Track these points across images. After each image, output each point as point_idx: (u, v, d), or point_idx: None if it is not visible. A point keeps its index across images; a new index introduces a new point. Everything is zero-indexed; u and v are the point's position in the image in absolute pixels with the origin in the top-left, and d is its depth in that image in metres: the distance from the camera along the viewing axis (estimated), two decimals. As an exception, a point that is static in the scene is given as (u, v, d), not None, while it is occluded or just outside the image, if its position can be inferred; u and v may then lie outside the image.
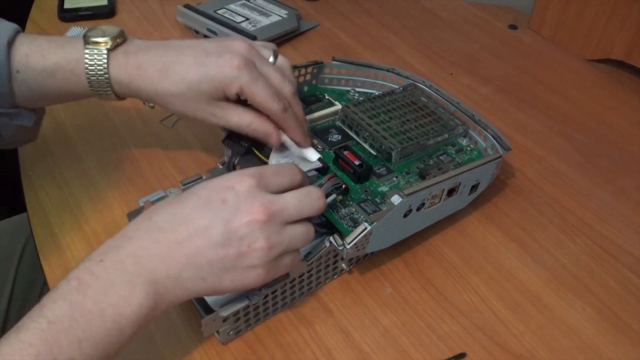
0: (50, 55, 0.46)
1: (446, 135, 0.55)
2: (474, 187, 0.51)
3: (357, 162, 0.50)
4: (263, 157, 0.49)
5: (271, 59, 0.49)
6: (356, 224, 0.46)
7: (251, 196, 0.37)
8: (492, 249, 0.52)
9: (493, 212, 0.55)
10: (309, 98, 0.58)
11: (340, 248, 0.43)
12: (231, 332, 0.43)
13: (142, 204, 0.47)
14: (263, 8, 0.79)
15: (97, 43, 0.46)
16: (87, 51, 0.46)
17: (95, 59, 0.46)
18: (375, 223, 0.43)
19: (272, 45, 0.51)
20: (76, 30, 0.74)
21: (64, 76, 0.46)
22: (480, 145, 0.56)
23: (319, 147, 0.53)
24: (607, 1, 0.71)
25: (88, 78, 0.46)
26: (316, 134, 0.55)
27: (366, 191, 0.49)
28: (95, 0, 0.80)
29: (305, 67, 0.60)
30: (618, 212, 0.56)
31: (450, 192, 0.49)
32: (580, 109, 0.69)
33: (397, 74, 0.61)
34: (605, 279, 0.50)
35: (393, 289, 0.48)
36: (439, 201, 0.48)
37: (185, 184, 0.49)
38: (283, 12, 0.79)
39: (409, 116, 0.56)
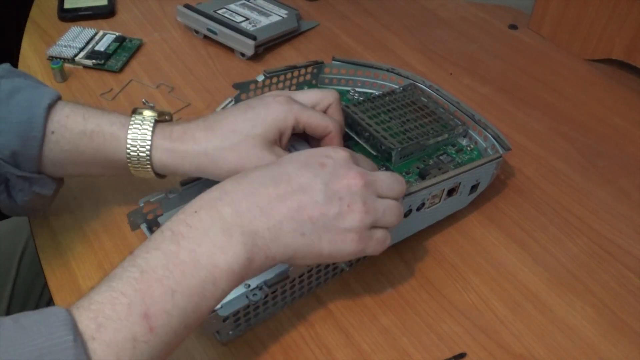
0: (92, 118, 0.44)
1: (446, 135, 0.55)
2: (474, 187, 0.51)
3: (357, 162, 0.50)
4: None
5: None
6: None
7: (347, 164, 0.38)
8: (492, 249, 0.52)
9: (493, 212, 0.55)
10: (309, 98, 0.58)
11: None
12: (231, 332, 0.43)
13: (142, 204, 0.47)
14: (263, 8, 0.79)
15: (144, 114, 0.44)
16: (133, 117, 0.44)
17: (142, 123, 0.44)
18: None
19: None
20: (76, 30, 0.74)
21: (103, 140, 0.44)
22: (480, 145, 0.56)
23: (319, 147, 0.53)
24: (607, 1, 0.71)
25: (128, 147, 0.43)
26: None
27: (366, 191, 0.49)
28: (95, 0, 0.80)
29: (305, 67, 0.60)
30: (618, 212, 0.56)
31: (450, 192, 0.49)
32: (580, 109, 0.69)
33: (397, 74, 0.61)
34: (605, 279, 0.50)
35: (393, 289, 0.48)
36: (439, 201, 0.48)
37: (185, 184, 0.49)
38: (283, 12, 0.79)
39: (409, 116, 0.56)
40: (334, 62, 0.61)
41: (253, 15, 0.77)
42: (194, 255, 0.33)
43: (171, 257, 0.33)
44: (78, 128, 0.44)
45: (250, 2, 0.80)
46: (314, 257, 0.38)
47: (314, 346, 0.44)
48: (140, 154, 0.44)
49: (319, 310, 0.46)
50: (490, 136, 0.54)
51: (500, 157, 0.51)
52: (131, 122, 0.44)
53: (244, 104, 0.46)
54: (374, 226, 0.39)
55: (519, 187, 0.58)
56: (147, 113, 0.45)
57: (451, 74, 0.73)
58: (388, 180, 0.40)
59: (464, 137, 0.56)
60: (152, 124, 0.44)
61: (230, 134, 0.43)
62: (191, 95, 0.66)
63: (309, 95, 0.48)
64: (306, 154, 0.39)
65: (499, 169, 0.53)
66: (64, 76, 0.67)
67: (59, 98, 0.45)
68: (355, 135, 0.55)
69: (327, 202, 0.37)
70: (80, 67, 0.70)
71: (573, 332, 0.45)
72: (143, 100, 0.65)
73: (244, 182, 0.37)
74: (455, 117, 0.57)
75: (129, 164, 0.45)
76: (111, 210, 0.53)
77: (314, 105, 0.48)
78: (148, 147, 0.43)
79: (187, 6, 0.76)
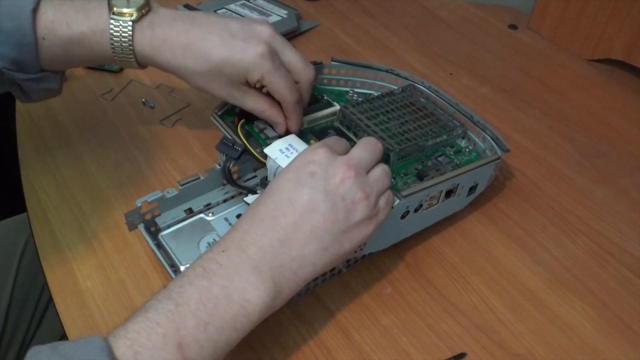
0: (75, 25, 0.47)
1: (445, 137, 0.55)
2: (472, 189, 0.51)
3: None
4: (260, 158, 0.49)
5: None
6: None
7: (331, 161, 0.40)
8: (492, 249, 0.52)
9: (493, 212, 0.55)
10: (308, 98, 0.58)
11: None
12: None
13: (139, 204, 0.47)
14: (263, 8, 0.79)
15: (122, 14, 0.46)
16: (112, 22, 0.47)
17: (121, 30, 0.47)
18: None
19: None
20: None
21: (89, 45, 0.47)
22: (478, 147, 0.56)
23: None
24: (607, 1, 0.71)
25: (113, 48, 0.47)
26: (315, 135, 0.55)
27: (366, 191, 0.49)
28: (95, 1, 0.80)
29: (305, 67, 0.60)
30: (618, 212, 0.56)
31: (448, 194, 0.49)
32: (580, 109, 0.69)
33: (396, 74, 0.61)
34: (605, 279, 0.50)
35: (393, 289, 0.48)
36: (437, 202, 0.48)
37: (183, 184, 0.49)
38: (283, 12, 0.79)
39: (408, 117, 0.56)
40: (332, 62, 0.61)
41: (253, 16, 0.77)
42: (226, 291, 0.35)
43: (204, 292, 0.34)
44: (65, 35, 0.47)
45: (250, 2, 0.80)
46: (342, 258, 0.40)
47: (314, 346, 0.44)
48: (125, 57, 0.48)
49: (319, 310, 0.46)
50: (489, 138, 0.54)
51: (498, 158, 0.51)
52: (111, 29, 0.47)
53: (226, 26, 0.48)
54: (377, 199, 0.41)
55: (518, 187, 0.58)
56: (124, 11, 0.46)
57: (451, 74, 0.73)
58: (366, 153, 0.42)
59: (463, 138, 0.56)
60: (131, 30, 0.47)
61: (203, 60, 0.47)
62: (191, 96, 0.66)
63: (291, 58, 0.49)
64: (292, 170, 0.40)
65: (497, 170, 0.53)
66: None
67: None
68: (353, 136, 0.55)
69: (333, 208, 0.38)
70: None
71: (573, 332, 0.45)
72: (143, 100, 0.65)
73: (257, 220, 0.38)
74: (454, 118, 0.57)
75: (117, 60, 0.49)
76: (111, 210, 0.53)
77: (291, 70, 0.50)
78: (131, 52, 0.47)
79: (187, 6, 0.76)
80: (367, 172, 0.41)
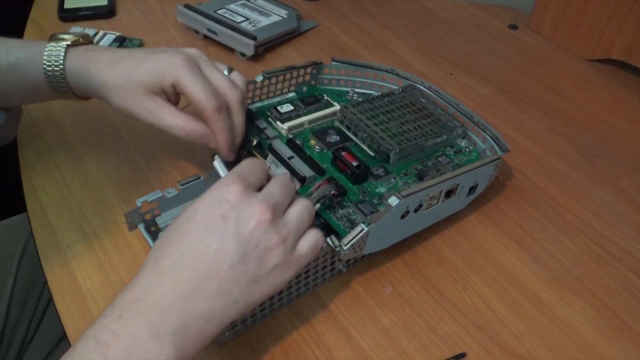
0: (13, 50, 0.47)
1: (445, 137, 0.55)
2: (472, 189, 0.51)
3: (355, 163, 0.50)
4: (258, 157, 0.49)
5: (225, 72, 0.48)
6: (353, 225, 0.46)
7: (246, 201, 0.36)
8: (492, 249, 0.52)
9: (493, 212, 0.55)
10: (308, 99, 0.58)
11: (338, 249, 0.43)
12: (227, 333, 0.43)
13: (139, 204, 0.47)
14: (263, 8, 0.79)
15: (60, 39, 0.47)
16: (48, 45, 0.47)
17: (54, 52, 0.47)
18: (372, 224, 0.43)
19: (227, 66, 0.50)
20: (76, 30, 0.74)
21: (24, 70, 0.47)
22: (478, 147, 0.56)
23: (317, 147, 0.53)
24: (607, 1, 0.71)
25: (44, 69, 0.46)
26: (314, 135, 0.55)
27: (364, 192, 0.49)
28: (95, 0, 0.80)
29: (304, 67, 0.60)
30: (618, 212, 0.56)
31: (448, 194, 0.49)
32: (580, 109, 0.69)
33: (396, 74, 0.61)
34: (605, 279, 0.50)
35: (393, 289, 0.48)
36: (437, 202, 0.48)
37: (183, 184, 0.49)
38: (283, 12, 0.79)
39: (408, 117, 0.56)
40: (332, 62, 0.61)
41: (253, 15, 0.77)
42: None
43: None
44: (3, 63, 0.47)
45: (250, 2, 0.80)
46: (253, 307, 0.37)
47: (314, 346, 0.44)
48: (56, 80, 0.47)
49: (319, 310, 0.46)
50: (489, 138, 0.54)
51: (498, 158, 0.51)
52: (45, 51, 0.46)
53: (152, 49, 0.47)
54: (295, 242, 0.38)
55: (519, 187, 0.58)
56: (64, 37, 0.47)
57: (451, 74, 0.73)
58: (281, 188, 0.38)
59: (463, 138, 0.56)
60: (64, 51, 0.47)
61: (127, 75, 0.45)
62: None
63: (216, 76, 0.46)
64: (202, 211, 0.36)
65: (497, 170, 0.53)
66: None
67: None
68: (353, 136, 0.55)
69: (244, 258, 0.35)
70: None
71: (573, 332, 0.45)
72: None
73: (158, 274, 0.34)
74: (454, 118, 0.57)
75: (52, 91, 0.48)
76: (111, 210, 0.53)
77: (216, 88, 0.46)
78: (62, 73, 0.47)
79: (187, 6, 0.76)
80: (284, 212, 0.38)
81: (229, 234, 0.35)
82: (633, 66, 0.73)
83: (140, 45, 0.74)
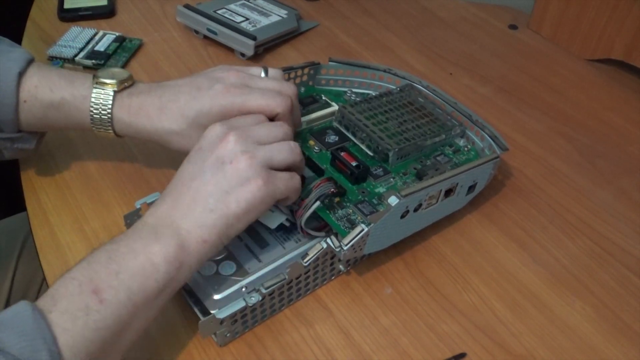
0: (57, 90, 0.49)
1: (443, 136, 0.55)
2: (471, 188, 0.51)
3: (354, 163, 0.50)
4: None
5: (262, 75, 0.50)
6: (353, 225, 0.46)
7: (219, 133, 0.42)
8: (492, 249, 0.52)
9: (493, 212, 0.55)
10: (306, 99, 0.58)
11: (338, 249, 0.43)
12: (228, 335, 0.43)
13: (138, 206, 0.47)
14: (263, 8, 0.79)
15: (105, 84, 0.48)
16: (94, 90, 0.48)
17: (102, 98, 0.48)
18: (372, 224, 0.43)
19: (261, 66, 0.51)
20: (76, 30, 0.74)
21: (68, 111, 0.49)
22: (477, 146, 0.56)
23: (316, 148, 0.53)
24: (607, 1, 0.71)
25: (91, 115, 0.48)
26: (313, 135, 0.55)
27: (363, 192, 0.49)
28: (95, 0, 0.80)
29: (302, 68, 0.60)
30: (618, 212, 0.56)
31: (448, 193, 0.49)
32: (580, 109, 0.69)
33: (394, 74, 0.61)
34: (605, 279, 0.50)
35: (393, 289, 0.48)
36: (436, 202, 0.48)
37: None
38: (283, 12, 0.79)
39: (406, 117, 0.56)
40: (330, 62, 0.61)
41: (253, 16, 0.77)
42: (131, 248, 0.38)
43: (112, 252, 0.38)
44: (46, 100, 0.48)
45: (250, 2, 0.80)
46: (235, 221, 0.41)
47: (314, 346, 0.44)
48: (102, 126, 0.49)
49: (319, 310, 0.46)
50: (487, 136, 0.54)
51: (497, 157, 0.51)
52: (92, 97, 0.48)
53: (193, 83, 0.48)
54: (273, 168, 0.42)
55: (518, 187, 0.58)
56: (107, 82, 0.48)
57: (451, 74, 0.73)
58: (264, 128, 0.43)
59: (462, 137, 0.56)
60: (112, 99, 0.48)
61: (180, 118, 0.47)
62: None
63: (266, 83, 0.48)
64: (191, 154, 0.43)
65: (496, 169, 0.53)
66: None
67: (30, 62, 0.49)
68: (351, 135, 0.55)
69: (215, 172, 0.40)
70: (81, 67, 0.70)
71: (573, 332, 0.45)
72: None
73: (154, 204, 0.42)
74: (452, 117, 0.57)
75: (94, 129, 0.50)
76: (111, 210, 0.53)
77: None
78: (109, 121, 0.48)
79: (187, 6, 0.76)
80: (261, 144, 0.42)
81: (203, 157, 0.41)
82: (633, 66, 0.73)
83: (140, 45, 0.74)
